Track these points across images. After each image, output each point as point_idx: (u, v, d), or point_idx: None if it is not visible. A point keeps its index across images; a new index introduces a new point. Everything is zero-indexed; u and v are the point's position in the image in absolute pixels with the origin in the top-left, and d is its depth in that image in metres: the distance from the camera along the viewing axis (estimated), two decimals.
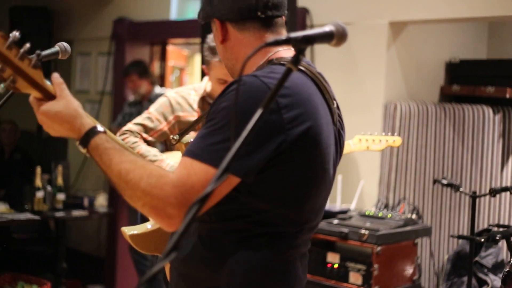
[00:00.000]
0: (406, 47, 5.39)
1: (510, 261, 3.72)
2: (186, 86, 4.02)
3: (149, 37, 7.52)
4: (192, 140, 2.10)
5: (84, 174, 7.84)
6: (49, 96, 1.95)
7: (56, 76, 1.98)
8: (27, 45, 1.91)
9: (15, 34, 1.83)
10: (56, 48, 2.71)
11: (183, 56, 8.10)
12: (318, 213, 2.15)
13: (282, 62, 2.05)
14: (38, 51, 2.60)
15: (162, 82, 7.67)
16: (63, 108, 1.95)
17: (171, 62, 7.80)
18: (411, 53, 5.46)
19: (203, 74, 4.83)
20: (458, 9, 4.94)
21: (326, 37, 1.71)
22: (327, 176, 2.10)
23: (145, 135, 3.74)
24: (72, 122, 1.95)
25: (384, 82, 5.23)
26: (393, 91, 5.30)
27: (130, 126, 3.76)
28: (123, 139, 3.66)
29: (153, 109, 3.82)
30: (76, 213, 6.54)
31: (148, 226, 2.79)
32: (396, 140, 4.18)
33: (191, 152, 1.88)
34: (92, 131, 1.94)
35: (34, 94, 1.93)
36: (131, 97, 7.17)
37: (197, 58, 8.42)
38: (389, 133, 4.98)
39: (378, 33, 5.22)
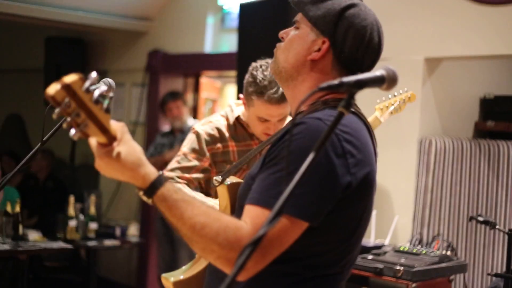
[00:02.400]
0: (441, 83, 5.39)
1: None
2: (214, 115, 3.76)
3: (183, 69, 7.59)
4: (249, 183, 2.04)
5: (116, 203, 7.89)
6: (112, 141, 1.82)
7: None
8: (103, 87, 1.85)
9: (94, 76, 1.71)
10: (101, 84, 2.74)
11: (215, 88, 8.16)
12: (359, 250, 2.18)
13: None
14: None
15: (195, 113, 7.72)
16: (126, 154, 1.83)
17: (204, 94, 7.85)
18: (446, 88, 5.46)
19: None
20: (494, 46, 4.95)
21: (377, 82, 1.74)
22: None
23: (187, 175, 3.53)
24: (135, 170, 1.84)
25: (419, 117, 5.23)
26: (428, 126, 5.30)
27: (167, 174, 3.51)
28: None
29: (186, 148, 3.58)
30: (108, 242, 6.58)
31: (184, 269, 2.80)
32: (411, 96, 4.01)
33: (262, 201, 1.87)
34: (159, 182, 1.85)
35: (100, 140, 1.80)
36: (165, 127, 7.22)
37: (230, 90, 8.47)
38: (425, 167, 4.97)
39: (414, 69, 5.23)
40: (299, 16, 2.20)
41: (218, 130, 3.60)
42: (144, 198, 1.92)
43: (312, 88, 2.08)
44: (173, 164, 3.57)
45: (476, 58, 5.38)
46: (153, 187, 1.84)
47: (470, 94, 5.79)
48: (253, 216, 1.86)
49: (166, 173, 3.54)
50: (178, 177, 3.53)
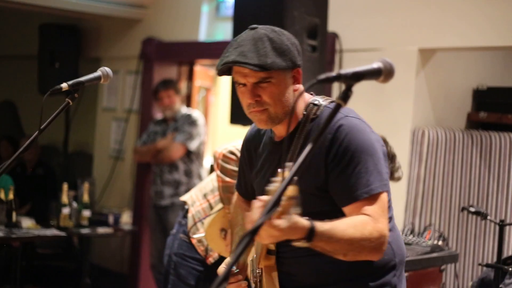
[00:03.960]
0: (434, 74, 5.42)
1: None
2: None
3: (177, 57, 7.58)
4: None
5: (109, 191, 7.90)
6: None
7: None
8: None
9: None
10: (98, 73, 2.76)
11: (209, 77, 8.15)
12: None
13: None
14: (80, 80, 2.66)
15: (188, 102, 7.72)
16: (292, 221, 2.02)
17: (198, 82, 7.85)
18: (439, 79, 5.48)
19: (233, 94, 4.86)
20: (487, 37, 4.97)
21: (374, 74, 1.77)
22: None
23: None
24: (298, 227, 2.05)
25: (412, 108, 5.26)
26: (421, 117, 5.33)
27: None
28: (230, 158, 3.71)
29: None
30: (101, 230, 6.60)
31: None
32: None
33: (361, 195, 2.28)
34: (312, 224, 2.10)
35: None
36: (157, 116, 7.22)
37: (223, 78, 8.47)
38: (418, 158, 5.00)
39: (408, 60, 5.25)
40: (265, 74, 2.39)
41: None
42: (301, 244, 2.11)
43: (295, 104, 2.42)
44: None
45: (470, 49, 5.40)
46: (312, 232, 2.08)
47: (463, 85, 5.82)
48: (367, 208, 2.25)
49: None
50: None
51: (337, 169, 2.29)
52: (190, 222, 4.01)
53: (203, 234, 3.91)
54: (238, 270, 2.61)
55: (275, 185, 1.83)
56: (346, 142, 2.29)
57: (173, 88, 6.87)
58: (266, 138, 2.67)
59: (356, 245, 2.19)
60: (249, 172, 2.77)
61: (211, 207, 3.96)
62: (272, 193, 1.81)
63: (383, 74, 1.78)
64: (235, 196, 2.98)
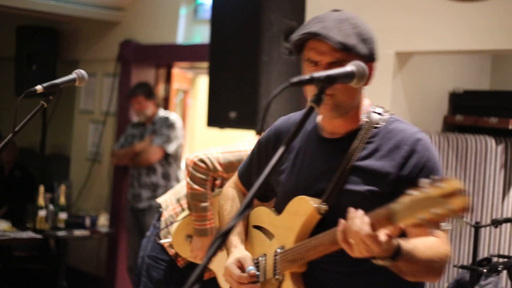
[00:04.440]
0: (411, 77, 5.44)
1: None
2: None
3: (155, 60, 7.57)
4: None
5: (85, 194, 7.87)
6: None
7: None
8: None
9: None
10: (73, 75, 2.76)
11: (187, 79, 8.14)
12: None
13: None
14: (55, 82, 2.66)
15: (166, 104, 7.71)
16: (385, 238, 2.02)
17: (175, 85, 7.84)
18: (416, 83, 5.51)
19: (210, 96, 4.86)
20: (464, 41, 5.00)
21: (347, 77, 1.78)
22: None
23: (219, 170, 3.73)
24: (389, 245, 2.03)
25: None
26: None
27: (217, 157, 3.72)
28: (200, 167, 3.69)
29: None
30: (78, 232, 6.57)
31: None
32: None
33: None
34: (399, 243, 2.05)
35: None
36: (135, 119, 7.21)
37: (201, 81, 8.46)
38: None
39: (384, 63, 5.27)
40: (342, 55, 2.23)
41: None
42: (380, 262, 2.06)
43: (358, 109, 2.36)
44: (228, 154, 3.74)
45: (446, 53, 5.43)
46: (398, 252, 2.04)
47: (439, 88, 5.85)
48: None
49: (217, 156, 3.71)
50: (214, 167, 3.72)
51: (413, 183, 2.15)
52: (162, 226, 4.03)
53: (170, 240, 3.94)
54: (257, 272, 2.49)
55: (424, 192, 1.78)
56: (426, 158, 2.26)
57: (142, 94, 6.83)
58: (310, 133, 2.48)
59: (429, 267, 2.18)
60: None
61: (183, 212, 3.97)
62: (416, 201, 1.78)
63: (356, 77, 1.79)
64: (231, 183, 2.83)
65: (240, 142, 3.75)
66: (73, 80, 2.77)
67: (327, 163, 2.35)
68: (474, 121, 5.65)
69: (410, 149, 2.26)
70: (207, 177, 3.69)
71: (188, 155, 3.82)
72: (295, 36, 2.29)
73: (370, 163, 2.27)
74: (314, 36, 2.22)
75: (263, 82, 4.53)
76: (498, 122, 5.50)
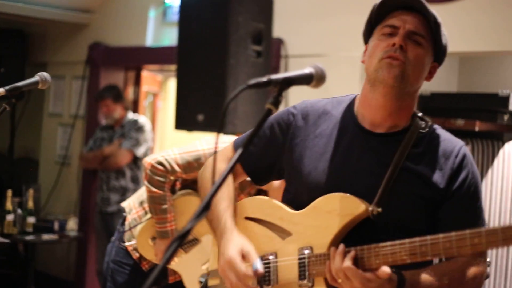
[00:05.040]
0: None
1: None
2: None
3: (124, 62, 7.55)
4: None
5: (54, 197, 7.82)
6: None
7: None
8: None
9: None
10: (36, 78, 2.74)
11: (157, 82, 8.13)
12: None
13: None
14: (17, 85, 2.64)
15: (135, 107, 7.69)
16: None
17: (145, 87, 7.82)
18: None
19: (178, 99, 4.85)
20: None
21: (305, 79, 1.78)
22: None
23: (178, 171, 3.70)
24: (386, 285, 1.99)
25: None
26: None
27: (175, 158, 3.69)
28: (157, 169, 3.67)
29: (207, 151, 3.74)
30: (46, 236, 6.53)
31: None
32: None
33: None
34: (401, 279, 2.01)
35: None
36: (103, 122, 7.17)
37: (170, 83, 8.45)
38: None
39: (353, 65, 5.29)
40: (423, 31, 2.21)
41: None
42: None
43: (411, 103, 2.28)
44: (186, 154, 3.70)
45: None
46: (401, 285, 2.00)
47: None
48: None
49: (175, 157, 3.67)
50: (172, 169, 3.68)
51: (460, 197, 2.16)
52: (126, 229, 4.01)
53: (134, 242, 3.92)
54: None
55: None
56: (474, 173, 2.21)
57: (110, 97, 6.80)
58: (344, 121, 2.29)
59: None
60: (292, 147, 2.32)
61: (146, 215, 3.96)
62: None
63: (314, 79, 1.79)
64: (223, 157, 2.47)
65: (198, 141, 3.75)
66: (36, 82, 2.75)
67: (375, 159, 2.19)
68: (441, 123, 5.65)
69: (459, 161, 2.19)
70: (165, 179, 3.68)
71: (146, 158, 3.79)
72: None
73: (420, 167, 2.17)
74: (414, 3, 2.18)
75: (230, 84, 4.53)
76: (465, 124, 5.54)
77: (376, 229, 2.09)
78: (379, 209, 2.09)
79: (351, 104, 2.33)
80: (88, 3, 7.64)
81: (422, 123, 2.24)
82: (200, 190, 2.51)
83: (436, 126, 2.28)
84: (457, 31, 4.91)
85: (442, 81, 6.17)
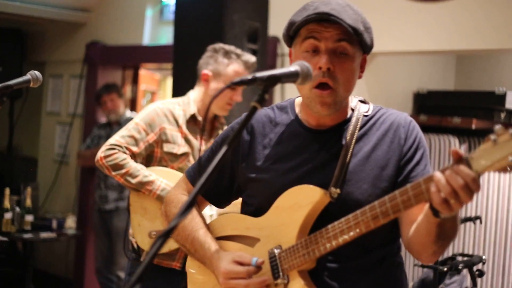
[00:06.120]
0: (375, 78, 5.47)
1: None
2: (169, 100, 3.91)
3: (122, 61, 7.55)
4: None
5: (53, 196, 7.83)
6: None
7: None
8: None
9: None
10: (27, 76, 2.74)
11: (155, 80, 8.13)
12: None
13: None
14: (9, 83, 2.65)
15: (133, 106, 7.69)
16: None
17: (142, 86, 7.82)
18: (380, 83, 5.54)
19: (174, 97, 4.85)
20: (428, 42, 5.04)
21: (291, 76, 1.78)
22: None
23: (134, 149, 3.62)
24: None
25: None
26: None
27: (117, 139, 3.61)
28: (111, 155, 3.56)
29: (139, 119, 3.69)
30: (44, 234, 6.53)
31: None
32: None
33: None
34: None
35: None
36: (102, 119, 7.18)
37: (169, 82, 8.46)
38: None
39: None
40: (346, 35, 2.14)
41: (172, 113, 3.75)
42: (447, 215, 1.92)
43: (348, 99, 2.29)
44: (123, 131, 3.67)
45: (410, 53, 5.47)
46: None
47: (404, 89, 5.89)
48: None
49: (116, 137, 3.62)
50: (126, 147, 3.61)
51: (411, 163, 2.20)
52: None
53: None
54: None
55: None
56: (419, 139, 2.24)
57: (115, 92, 6.83)
58: (290, 126, 2.31)
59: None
60: (245, 162, 2.34)
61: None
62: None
63: (300, 76, 1.79)
64: (179, 189, 2.51)
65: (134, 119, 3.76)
66: (27, 81, 2.75)
67: (327, 154, 2.22)
68: (438, 121, 5.70)
69: (406, 130, 2.23)
70: (125, 155, 3.59)
71: (96, 158, 3.69)
72: (300, 18, 2.16)
73: (370, 145, 2.22)
74: (327, 16, 2.08)
75: None
76: (461, 122, 5.56)
77: (341, 212, 2.07)
78: (338, 190, 2.13)
79: (293, 109, 2.36)
80: (86, 2, 7.65)
81: (365, 106, 2.31)
82: (167, 221, 2.53)
83: (379, 106, 2.34)
84: (455, 29, 4.92)
85: (439, 79, 6.18)
